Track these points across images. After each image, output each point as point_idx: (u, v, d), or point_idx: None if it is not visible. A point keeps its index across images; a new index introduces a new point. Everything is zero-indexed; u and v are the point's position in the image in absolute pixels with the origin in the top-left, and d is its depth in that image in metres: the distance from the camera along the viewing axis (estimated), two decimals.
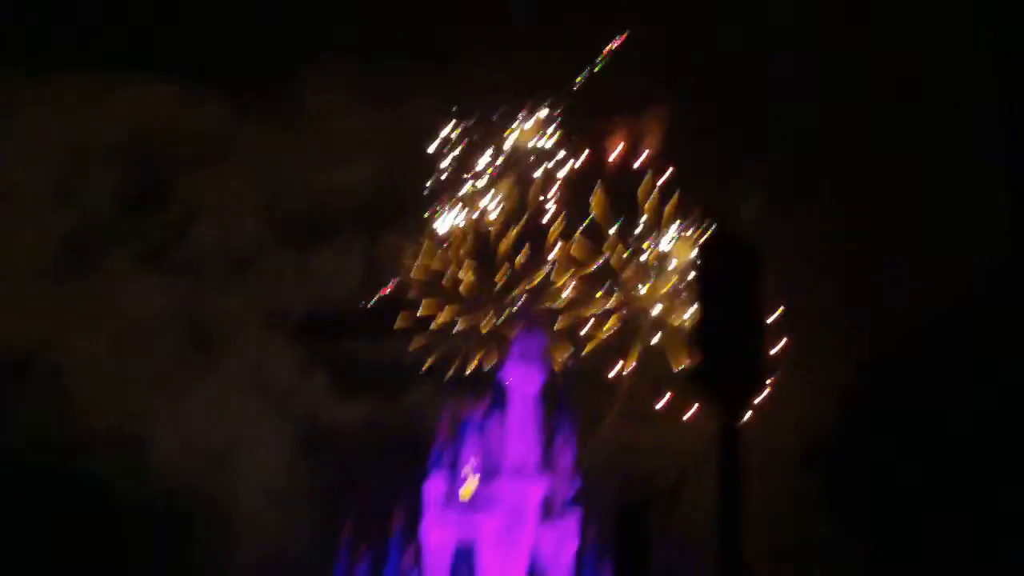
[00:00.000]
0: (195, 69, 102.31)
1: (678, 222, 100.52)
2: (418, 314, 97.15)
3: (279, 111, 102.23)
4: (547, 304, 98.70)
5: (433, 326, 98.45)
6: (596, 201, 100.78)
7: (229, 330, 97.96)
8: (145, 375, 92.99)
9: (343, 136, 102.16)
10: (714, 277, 9.30)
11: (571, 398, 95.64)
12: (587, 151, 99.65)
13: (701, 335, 9.22)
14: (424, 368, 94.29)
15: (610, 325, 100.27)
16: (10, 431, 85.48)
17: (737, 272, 9.31)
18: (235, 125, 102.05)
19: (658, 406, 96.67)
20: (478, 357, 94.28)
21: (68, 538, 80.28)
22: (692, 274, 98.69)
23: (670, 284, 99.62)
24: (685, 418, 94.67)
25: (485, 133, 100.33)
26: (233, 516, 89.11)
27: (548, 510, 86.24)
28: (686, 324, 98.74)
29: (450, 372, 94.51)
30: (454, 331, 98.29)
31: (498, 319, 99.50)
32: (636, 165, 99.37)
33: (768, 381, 9.22)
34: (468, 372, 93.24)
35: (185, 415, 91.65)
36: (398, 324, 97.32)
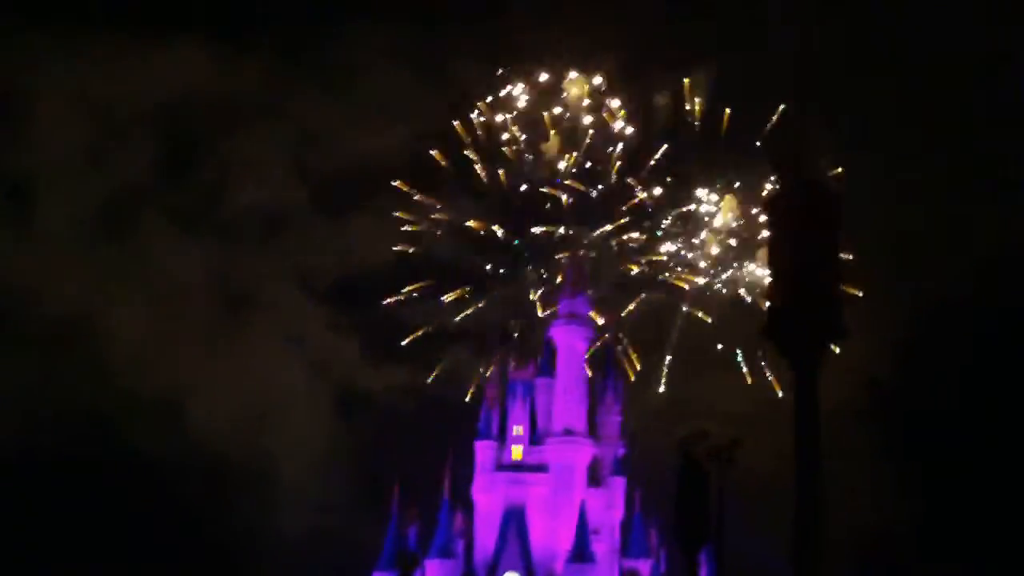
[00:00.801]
0: (231, 31, 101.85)
1: (722, 183, 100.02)
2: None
3: (316, 74, 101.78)
4: (591, 262, 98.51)
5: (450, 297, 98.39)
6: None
7: (264, 293, 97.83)
8: (183, 339, 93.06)
9: (380, 99, 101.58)
10: (788, 224, 9.14)
11: (618, 362, 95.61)
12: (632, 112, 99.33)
13: (776, 284, 9.07)
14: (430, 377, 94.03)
15: (650, 292, 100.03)
16: (52, 397, 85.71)
17: (812, 219, 9.14)
18: (271, 88, 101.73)
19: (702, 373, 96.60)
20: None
21: (111, 503, 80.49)
22: (736, 234, 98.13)
23: (717, 243, 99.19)
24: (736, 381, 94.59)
25: (530, 95, 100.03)
26: (273, 481, 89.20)
27: (594, 475, 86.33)
28: (736, 285, 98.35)
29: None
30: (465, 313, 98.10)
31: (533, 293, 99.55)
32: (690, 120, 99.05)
33: (845, 330, 9.08)
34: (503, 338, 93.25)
35: (222, 379, 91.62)
36: (389, 300, 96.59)
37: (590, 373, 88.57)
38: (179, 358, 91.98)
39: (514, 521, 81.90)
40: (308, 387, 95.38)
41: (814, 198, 9.11)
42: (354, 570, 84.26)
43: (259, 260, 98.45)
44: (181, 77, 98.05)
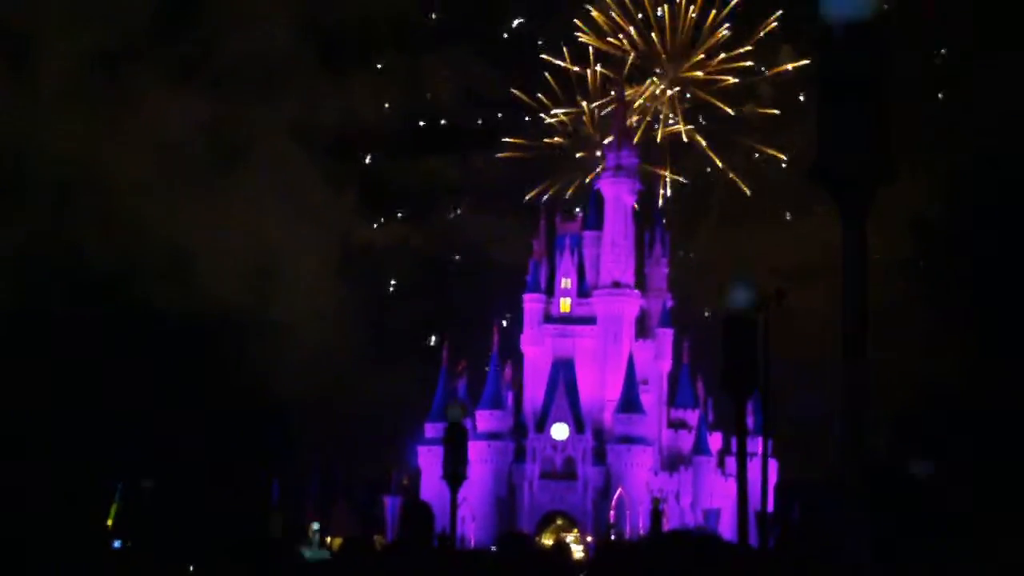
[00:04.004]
0: None
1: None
2: None
3: None
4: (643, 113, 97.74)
5: None
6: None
7: (263, 146, 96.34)
8: (184, 191, 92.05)
9: None
10: (836, 63, 8.84)
11: (665, 215, 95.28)
12: None
13: (825, 125, 8.83)
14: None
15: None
16: (60, 250, 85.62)
17: (861, 58, 8.84)
18: None
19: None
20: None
21: (123, 356, 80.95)
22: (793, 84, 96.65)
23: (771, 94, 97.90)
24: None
25: None
26: (283, 332, 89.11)
27: (642, 327, 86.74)
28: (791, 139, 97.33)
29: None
30: None
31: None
32: None
33: (895, 173, 8.85)
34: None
35: (225, 231, 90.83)
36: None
37: (638, 225, 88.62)
38: (181, 211, 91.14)
39: (563, 373, 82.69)
40: (310, 240, 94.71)
41: (864, 38, 8.79)
42: (407, 422, 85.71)
43: (257, 112, 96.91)
44: None
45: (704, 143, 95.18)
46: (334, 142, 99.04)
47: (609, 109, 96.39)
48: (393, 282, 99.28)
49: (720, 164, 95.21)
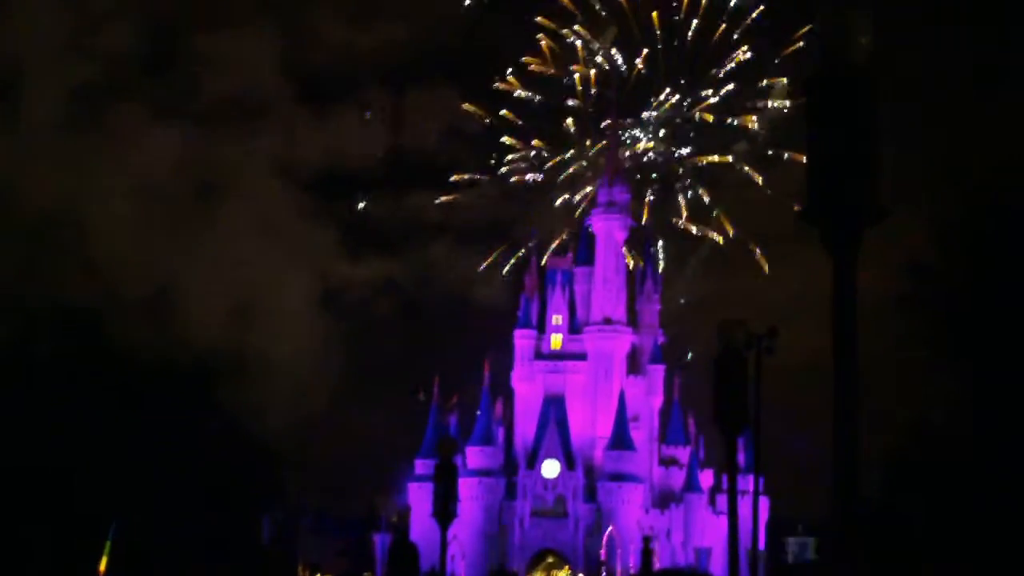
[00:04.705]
0: None
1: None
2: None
3: None
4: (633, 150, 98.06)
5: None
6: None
7: (244, 185, 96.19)
8: (164, 232, 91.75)
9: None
10: (824, 105, 8.92)
11: (656, 251, 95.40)
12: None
13: (812, 168, 8.90)
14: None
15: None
16: (37, 292, 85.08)
17: (849, 100, 8.92)
18: None
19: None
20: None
21: (99, 401, 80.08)
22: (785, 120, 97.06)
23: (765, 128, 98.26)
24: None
25: None
26: (264, 374, 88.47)
27: (633, 363, 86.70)
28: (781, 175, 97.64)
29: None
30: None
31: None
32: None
33: (883, 215, 8.92)
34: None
35: (205, 273, 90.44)
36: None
37: (630, 262, 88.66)
38: (161, 252, 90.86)
39: (554, 409, 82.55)
40: (293, 280, 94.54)
41: (851, 77, 8.87)
42: (398, 459, 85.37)
43: (238, 150, 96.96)
44: None
45: (707, 196, 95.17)
46: (317, 179, 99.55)
47: (588, 149, 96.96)
48: (378, 319, 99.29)
49: (730, 228, 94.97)
